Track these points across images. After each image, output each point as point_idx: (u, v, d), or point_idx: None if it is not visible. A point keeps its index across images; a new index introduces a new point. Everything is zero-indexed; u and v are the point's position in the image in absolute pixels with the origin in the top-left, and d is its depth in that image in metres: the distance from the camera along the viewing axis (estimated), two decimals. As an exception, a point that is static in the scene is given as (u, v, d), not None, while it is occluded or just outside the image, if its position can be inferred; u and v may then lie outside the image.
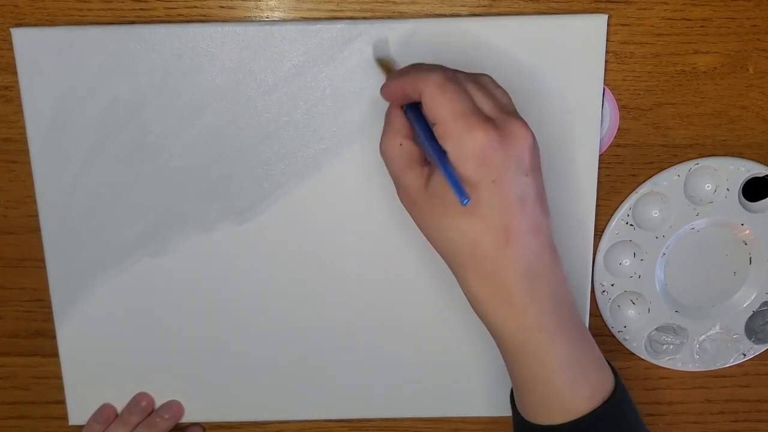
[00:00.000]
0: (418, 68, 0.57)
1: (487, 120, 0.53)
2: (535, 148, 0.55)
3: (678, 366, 0.77)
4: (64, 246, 0.71)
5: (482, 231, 0.55)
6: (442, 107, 0.53)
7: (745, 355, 0.77)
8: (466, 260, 0.56)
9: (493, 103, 0.55)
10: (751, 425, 0.81)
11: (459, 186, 0.53)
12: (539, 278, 0.56)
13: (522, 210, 0.54)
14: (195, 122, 0.67)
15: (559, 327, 0.58)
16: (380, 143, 0.59)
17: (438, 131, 0.54)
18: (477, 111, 0.54)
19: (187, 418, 0.77)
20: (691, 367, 0.77)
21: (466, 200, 0.53)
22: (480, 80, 0.58)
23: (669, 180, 0.71)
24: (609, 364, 0.62)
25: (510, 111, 0.56)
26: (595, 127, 0.68)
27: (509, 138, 0.54)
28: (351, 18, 0.66)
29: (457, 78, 0.56)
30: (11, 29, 0.65)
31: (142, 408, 0.75)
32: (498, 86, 0.59)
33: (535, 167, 0.55)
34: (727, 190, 0.71)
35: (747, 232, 0.73)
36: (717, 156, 0.71)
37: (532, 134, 0.55)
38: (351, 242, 0.71)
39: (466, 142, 0.53)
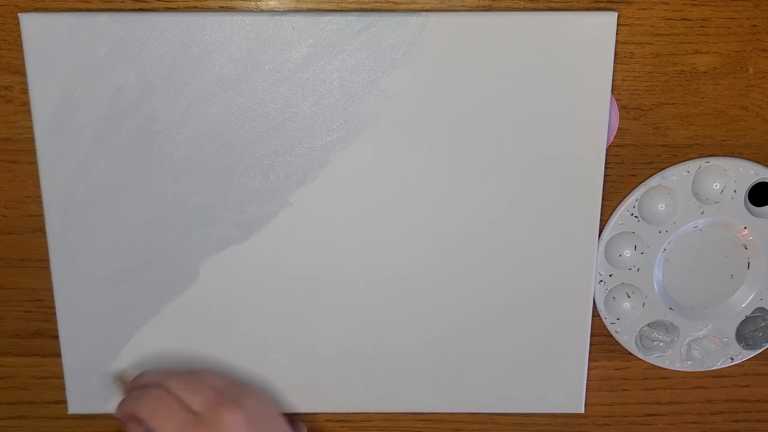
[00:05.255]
0: (134, 395, 0.61)
1: (198, 424, 0.57)
2: (249, 419, 0.58)
3: (666, 364, 0.73)
4: (68, 234, 0.67)
5: None
6: (161, 428, 0.57)
7: (733, 359, 0.73)
8: None
9: (206, 393, 0.59)
10: (751, 425, 0.77)
11: None
12: None
13: None
14: (202, 112, 0.63)
15: None
16: None
17: None
18: (188, 421, 0.57)
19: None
20: (678, 366, 0.73)
21: None
22: (190, 375, 0.62)
23: (678, 175, 0.67)
24: None
25: (217, 397, 0.59)
26: (603, 121, 0.65)
27: (223, 425, 0.57)
28: (360, 10, 0.63)
29: (168, 390, 0.60)
30: (19, 14, 0.61)
31: None
32: (206, 372, 0.63)
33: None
34: (734, 191, 0.68)
35: (749, 236, 0.70)
36: (728, 156, 0.68)
37: (242, 411, 0.58)
38: (358, 235, 0.67)
39: None
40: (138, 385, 0.63)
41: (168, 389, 0.59)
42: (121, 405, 0.61)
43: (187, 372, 0.62)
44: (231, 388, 0.61)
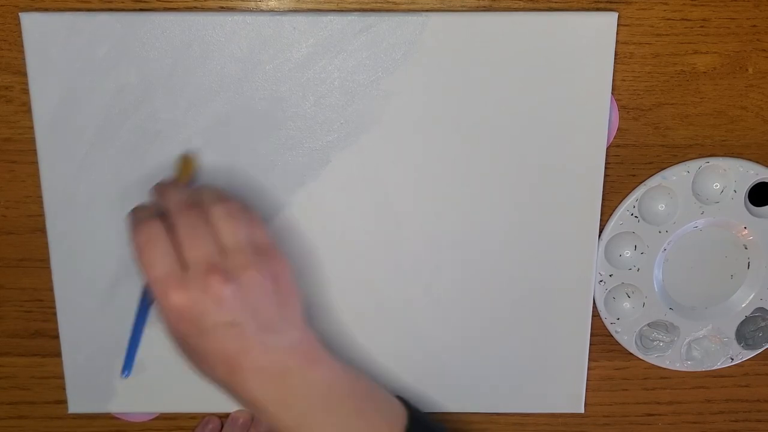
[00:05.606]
0: (139, 216, 0.56)
1: (181, 282, 0.52)
2: (236, 296, 0.53)
3: (666, 364, 0.73)
4: (68, 234, 0.66)
5: (211, 370, 0.55)
6: (145, 269, 0.53)
7: (732, 359, 0.73)
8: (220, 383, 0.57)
9: (204, 250, 0.53)
10: (751, 425, 0.77)
11: (128, 357, 0.56)
12: (289, 377, 0.56)
13: (240, 344, 0.54)
14: (203, 111, 0.63)
15: (328, 409, 0.58)
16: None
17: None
18: (173, 274, 0.52)
19: (187, 411, 0.73)
20: (678, 366, 0.73)
21: (125, 373, 0.56)
22: (210, 213, 0.55)
23: (678, 175, 0.67)
24: (400, 399, 0.63)
25: (211, 261, 0.53)
26: (603, 121, 0.65)
27: (202, 296, 0.52)
28: (360, 10, 0.63)
29: (166, 228, 0.54)
30: (20, 14, 0.61)
31: (240, 425, 0.72)
32: (228, 218, 0.55)
33: (244, 309, 0.53)
34: (734, 191, 0.68)
35: (749, 236, 0.70)
36: (728, 157, 0.67)
37: (232, 285, 0.53)
38: (358, 235, 0.67)
39: (164, 303, 0.52)
40: (162, 194, 0.59)
41: (174, 225, 0.54)
42: (129, 214, 0.57)
43: (200, 212, 0.55)
44: (239, 252, 0.54)
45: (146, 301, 0.55)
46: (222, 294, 0.52)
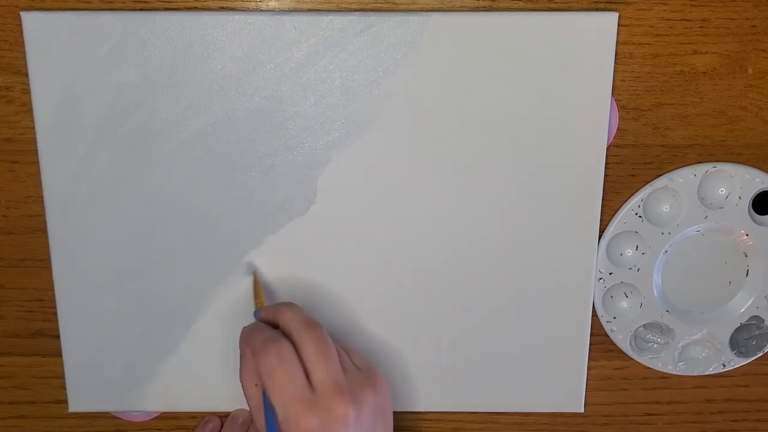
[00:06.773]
0: (264, 336, 0.57)
1: (311, 405, 0.54)
2: (357, 415, 0.55)
3: (658, 366, 0.73)
4: (69, 234, 0.66)
5: None
6: (275, 390, 0.54)
7: (725, 366, 0.73)
8: None
9: (331, 371, 0.56)
10: (751, 425, 0.77)
11: None
12: None
13: None
14: (203, 111, 0.63)
15: None
16: (239, 372, 0.59)
17: (275, 408, 0.55)
18: (304, 397, 0.54)
19: (187, 410, 0.73)
20: (671, 369, 0.73)
21: None
22: (328, 346, 0.57)
23: (685, 178, 0.67)
24: None
25: (338, 382, 0.56)
26: (603, 121, 0.65)
27: (329, 417, 0.54)
28: (360, 10, 0.63)
29: (292, 350, 0.56)
30: (21, 13, 0.61)
31: (240, 425, 0.72)
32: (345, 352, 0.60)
33: (363, 428, 0.56)
34: (739, 198, 0.68)
35: (750, 244, 0.70)
36: (733, 162, 0.67)
37: (354, 405, 0.55)
38: (359, 235, 0.67)
39: (294, 425, 0.54)
40: (275, 318, 0.60)
41: (299, 348, 0.56)
42: (248, 335, 0.59)
43: (323, 334, 0.57)
44: (357, 374, 0.57)
45: (272, 419, 0.56)
46: (347, 416, 0.54)
